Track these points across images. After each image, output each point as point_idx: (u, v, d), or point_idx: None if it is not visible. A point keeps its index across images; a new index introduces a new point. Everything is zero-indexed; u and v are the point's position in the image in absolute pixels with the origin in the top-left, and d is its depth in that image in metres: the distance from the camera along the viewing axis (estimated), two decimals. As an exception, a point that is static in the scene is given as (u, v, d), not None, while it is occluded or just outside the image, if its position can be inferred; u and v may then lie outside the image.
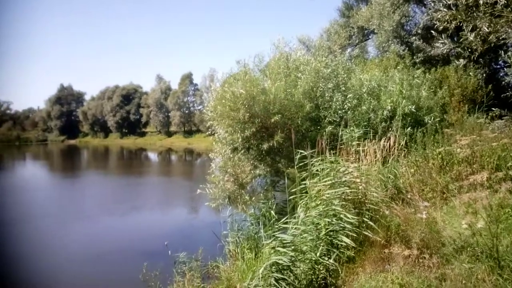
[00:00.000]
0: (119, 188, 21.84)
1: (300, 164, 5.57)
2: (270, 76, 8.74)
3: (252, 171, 8.96)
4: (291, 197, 5.90)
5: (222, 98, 8.09)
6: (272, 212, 6.79)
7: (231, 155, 8.87)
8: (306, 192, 5.34)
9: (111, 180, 26.60)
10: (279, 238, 4.41)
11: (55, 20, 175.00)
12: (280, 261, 3.96)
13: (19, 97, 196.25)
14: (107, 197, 18.87)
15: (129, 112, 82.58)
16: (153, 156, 49.59)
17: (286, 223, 5.07)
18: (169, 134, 76.57)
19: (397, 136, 7.43)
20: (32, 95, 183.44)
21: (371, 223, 4.79)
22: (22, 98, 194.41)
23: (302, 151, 5.61)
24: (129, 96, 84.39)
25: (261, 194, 9.33)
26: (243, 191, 9.04)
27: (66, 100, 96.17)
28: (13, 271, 9.08)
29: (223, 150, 9.00)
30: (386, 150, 7.18)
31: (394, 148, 7.25)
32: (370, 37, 19.08)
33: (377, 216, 5.05)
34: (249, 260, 6.65)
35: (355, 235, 4.57)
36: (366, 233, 4.71)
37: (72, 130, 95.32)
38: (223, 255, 7.98)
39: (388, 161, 7.11)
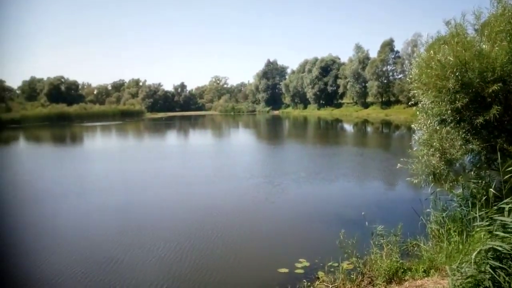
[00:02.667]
0: (319, 157, 23.09)
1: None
2: (489, 36, 7.38)
3: (463, 146, 7.95)
4: (508, 176, 5.02)
5: (428, 66, 7.34)
6: (490, 190, 5.90)
7: (437, 128, 8.07)
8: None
9: (311, 148, 28.39)
10: (498, 221, 3.85)
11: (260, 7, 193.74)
12: (499, 248, 3.47)
13: (234, 73, 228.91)
14: (310, 164, 20.23)
15: (326, 83, 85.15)
16: (348, 127, 49.99)
17: (502, 206, 4.37)
18: (365, 105, 75.33)
19: None
20: (243, 70, 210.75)
21: None
22: (236, 74, 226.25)
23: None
24: (327, 67, 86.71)
25: (472, 173, 8.26)
26: (450, 168, 8.20)
27: (271, 74, 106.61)
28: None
29: (428, 122, 8.26)
30: None
31: None
32: None
33: None
34: (455, 243, 6.11)
35: None
36: None
37: (276, 102, 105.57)
38: (424, 234, 7.57)
39: None
